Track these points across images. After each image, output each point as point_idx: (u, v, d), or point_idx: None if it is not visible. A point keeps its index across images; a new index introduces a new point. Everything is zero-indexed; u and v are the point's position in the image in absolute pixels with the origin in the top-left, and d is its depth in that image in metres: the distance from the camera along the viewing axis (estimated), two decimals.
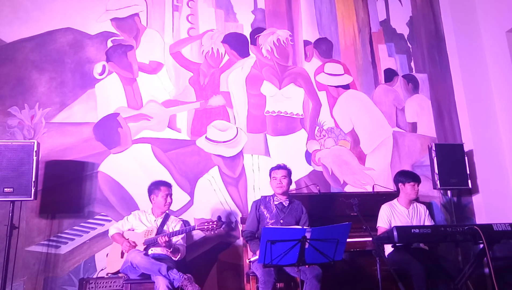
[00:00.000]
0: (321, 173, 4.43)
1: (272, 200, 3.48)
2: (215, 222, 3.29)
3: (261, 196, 3.60)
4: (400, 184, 3.65)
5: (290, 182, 3.51)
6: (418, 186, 3.61)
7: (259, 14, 4.79)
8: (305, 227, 2.72)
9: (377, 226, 3.55)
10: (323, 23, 4.93)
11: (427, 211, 3.67)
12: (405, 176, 3.66)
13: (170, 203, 3.55)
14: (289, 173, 3.50)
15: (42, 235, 3.76)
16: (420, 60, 5.05)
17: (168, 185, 3.57)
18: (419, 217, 3.61)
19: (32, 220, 3.76)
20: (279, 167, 3.51)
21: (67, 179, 3.90)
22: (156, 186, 3.55)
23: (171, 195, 3.55)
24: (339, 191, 4.38)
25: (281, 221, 3.39)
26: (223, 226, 3.40)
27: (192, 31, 4.59)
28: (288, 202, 3.48)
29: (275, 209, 3.43)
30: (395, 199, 3.69)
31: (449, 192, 4.43)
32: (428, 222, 3.59)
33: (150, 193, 3.56)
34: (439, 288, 3.27)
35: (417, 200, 4.04)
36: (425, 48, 5.10)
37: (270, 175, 3.54)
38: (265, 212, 3.43)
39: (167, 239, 3.22)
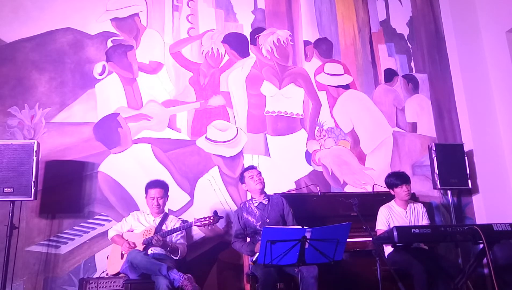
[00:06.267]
0: (321, 173, 4.43)
1: (251, 204, 3.49)
2: (211, 217, 3.29)
3: (240, 204, 3.62)
4: (390, 190, 3.66)
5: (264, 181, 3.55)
6: (407, 186, 3.57)
7: (259, 14, 4.79)
8: (305, 227, 2.71)
9: (376, 228, 3.55)
10: (323, 23, 4.93)
11: (424, 209, 3.67)
12: (391, 180, 3.64)
13: (159, 206, 3.50)
14: (261, 173, 3.55)
15: (42, 235, 3.76)
16: (420, 60, 5.06)
17: (156, 188, 3.52)
18: (417, 217, 3.61)
19: (32, 220, 3.76)
20: (253, 167, 3.61)
21: (67, 179, 3.90)
22: (145, 188, 3.56)
23: (160, 197, 3.50)
24: (339, 191, 4.38)
25: (267, 220, 3.39)
26: (220, 220, 3.40)
27: (192, 31, 4.59)
28: (267, 199, 3.50)
29: (257, 211, 3.44)
30: (392, 201, 3.69)
31: (449, 192, 4.43)
32: (425, 221, 3.60)
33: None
34: (439, 288, 3.27)
35: (416, 200, 4.05)
36: (425, 48, 5.11)
37: (243, 177, 3.54)
38: (249, 218, 3.43)
39: (160, 239, 3.21)
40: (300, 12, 4.89)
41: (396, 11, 5.16)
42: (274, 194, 3.73)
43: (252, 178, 3.48)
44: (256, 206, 3.47)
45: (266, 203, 3.48)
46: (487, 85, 4.68)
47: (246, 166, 4.23)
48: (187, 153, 4.22)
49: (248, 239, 3.46)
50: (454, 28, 5.05)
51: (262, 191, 3.50)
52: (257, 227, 3.37)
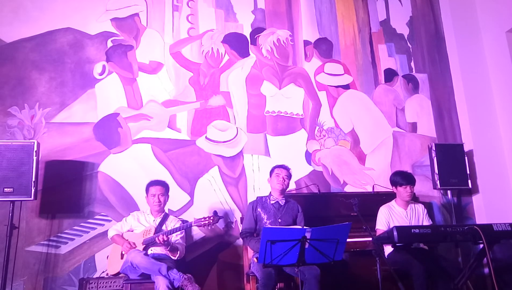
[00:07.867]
0: (321, 173, 4.43)
1: (268, 200, 3.51)
2: (211, 217, 3.29)
3: (257, 197, 3.61)
4: (393, 187, 3.66)
5: (288, 185, 3.56)
6: (411, 187, 3.56)
7: (259, 14, 4.79)
8: (305, 227, 2.71)
9: (376, 228, 3.55)
10: (323, 23, 4.93)
11: (425, 211, 3.67)
12: (397, 179, 3.63)
13: (161, 203, 3.52)
14: (290, 176, 3.55)
15: (42, 235, 3.76)
16: (420, 60, 5.06)
17: (157, 185, 3.54)
18: (417, 217, 3.60)
19: (32, 220, 3.76)
20: (285, 167, 3.56)
21: (67, 179, 3.90)
22: (146, 187, 3.57)
23: (162, 195, 3.52)
24: (339, 191, 4.38)
25: (279, 220, 3.40)
26: (220, 220, 3.40)
27: (192, 31, 4.59)
28: (284, 201, 3.51)
29: (272, 208, 3.45)
30: (393, 201, 3.68)
31: (449, 192, 4.43)
32: (426, 221, 3.59)
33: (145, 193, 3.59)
34: (439, 288, 3.27)
35: (416, 200, 4.04)
36: (425, 48, 5.11)
37: (272, 172, 3.55)
38: (262, 213, 3.45)
39: (165, 238, 3.22)
40: (300, 12, 4.89)
41: (396, 11, 5.16)
42: (291, 197, 3.72)
43: (278, 176, 3.49)
44: (272, 204, 3.48)
45: (282, 204, 3.50)
46: (487, 85, 4.68)
47: (245, 166, 4.25)
48: (187, 153, 4.22)
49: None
50: (454, 28, 5.04)
51: (281, 193, 3.51)
52: (267, 224, 3.38)
